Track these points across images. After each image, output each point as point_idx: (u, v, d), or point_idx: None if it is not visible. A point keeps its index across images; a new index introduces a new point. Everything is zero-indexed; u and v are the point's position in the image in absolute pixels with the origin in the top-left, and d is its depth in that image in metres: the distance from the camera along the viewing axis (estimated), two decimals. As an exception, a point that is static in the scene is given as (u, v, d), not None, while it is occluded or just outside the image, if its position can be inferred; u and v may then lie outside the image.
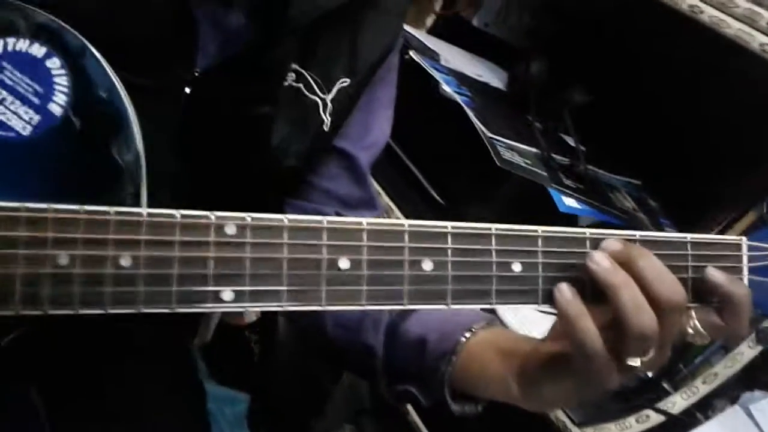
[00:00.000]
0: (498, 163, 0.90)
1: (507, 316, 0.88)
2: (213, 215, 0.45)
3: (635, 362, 0.48)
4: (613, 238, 0.51)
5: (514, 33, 1.37)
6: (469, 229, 0.50)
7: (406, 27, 1.18)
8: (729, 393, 0.91)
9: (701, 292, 0.52)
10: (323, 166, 0.72)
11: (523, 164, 0.94)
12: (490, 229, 0.50)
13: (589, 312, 0.49)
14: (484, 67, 1.30)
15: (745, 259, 0.54)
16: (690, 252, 0.53)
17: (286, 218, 0.46)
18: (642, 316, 0.47)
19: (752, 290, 0.53)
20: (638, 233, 0.52)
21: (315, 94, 0.65)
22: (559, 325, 0.52)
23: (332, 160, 0.72)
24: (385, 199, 1.05)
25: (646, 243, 0.52)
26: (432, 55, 1.18)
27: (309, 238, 0.47)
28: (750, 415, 0.88)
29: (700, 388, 0.89)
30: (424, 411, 1.03)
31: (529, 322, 0.86)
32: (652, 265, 0.48)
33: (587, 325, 0.48)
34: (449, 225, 0.49)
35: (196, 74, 0.59)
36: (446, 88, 1.03)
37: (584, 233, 0.51)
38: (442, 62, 1.17)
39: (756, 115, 1.05)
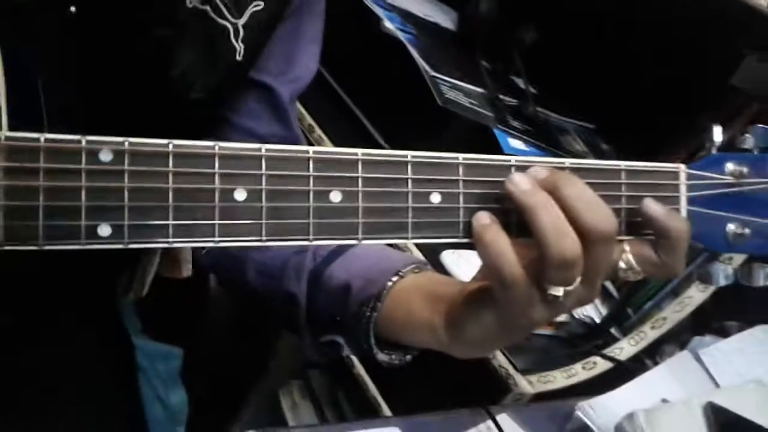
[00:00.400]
0: (439, 102, 0.85)
1: (447, 259, 0.84)
2: (84, 139, 0.40)
3: (557, 291, 0.44)
4: (540, 165, 0.46)
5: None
6: (383, 156, 0.45)
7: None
8: (678, 338, 0.89)
9: (636, 223, 0.49)
10: (240, 102, 0.66)
11: (468, 104, 0.90)
12: (405, 156, 0.46)
13: (514, 246, 0.45)
14: (435, 7, 1.25)
15: (683, 188, 0.50)
16: (624, 180, 0.49)
17: (171, 143, 0.41)
18: (563, 240, 0.43)
19: (691, 222, 0.50)
20: (568, 160, 0.48)
21: (224, 18, 0.59)
22: (478, 254, 0.48)
23: (250, 94, 0.66)
24: (327, 142, 1.00)
25: (577, 171, 0.48)
26: (376, -8, 1.12)
27: (198, 165, 0.42)
28: (699, 361, 0.86)
29: (649, 333, 0.87)
30: (370, 365, 1.00)
31: (471, 265, 0.82)
32: (579, 192, 0.44)
33: (504, 249, 0.44)
34: (359, 152, 0.45)
35: None
36: (388, 25, 0.97)
37: (509, 160, 0.47)
38: (388, 0, 1.11)
39: (712, 53, 1.02)
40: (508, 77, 1.10)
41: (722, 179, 0.51)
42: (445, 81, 0.91)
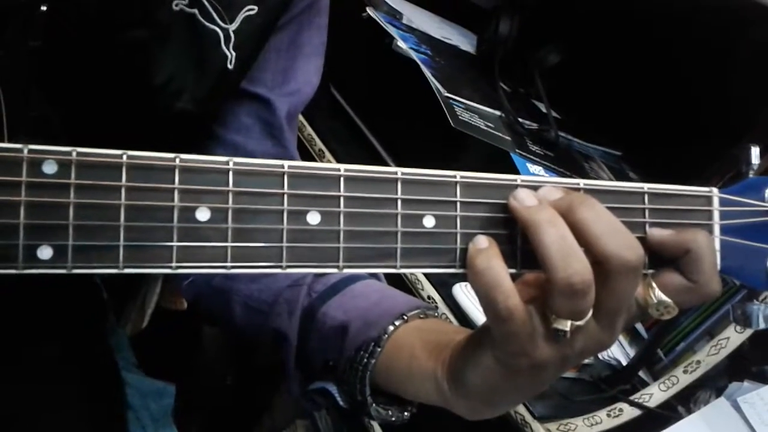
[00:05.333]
0: (453, 124, 0.80)
1: (459, 295, 0.78)
2: (27, 148, 0.35)
3: (564, 326, 0.38)
4: (551, 186, 0.41)
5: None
6: (369, 172, 0.40)
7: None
8: (714, 384, 0.82)
9: (661, 255, 0.43)
10: (230, 115, 0.61)
11: (484, 127, 0.85)
12: (395, 173, 0.40)
13: (520, 280, 0.39)
14: (455, 31, 1.22)
15: (716, 215, 0.44)
16: (647, 206, 0.43)
17: (125, 153, 0.37)
18: (570, 261, 0.37)
19: (727, 255, 0.44)
20: (582, 181, 0.42)
21: (214, 23, 0.54)
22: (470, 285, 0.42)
23: (242, 107, 0.61)
24: (329, 156, 0.95)
25: (594, 193, 0.42)
26: (394, 14, 1.08)
27: (156, 179, 0.37)
28: (737, 409, 0.79)
29: (681, 377, 0.79)
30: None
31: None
32: (597, 216, 0.38)
33: (497, 277, 0.38)
34: (342, 167, 0.39)
35: None
36: (401, 45, 0.93)
37: (514, 179, 0.41)
38: (404, 21, 1.08)
39: (746, 78, 0.95)
40: (530, 101, 1.05)
41: (762, 206, 0.45)
42: (460, 103, 0.86)
